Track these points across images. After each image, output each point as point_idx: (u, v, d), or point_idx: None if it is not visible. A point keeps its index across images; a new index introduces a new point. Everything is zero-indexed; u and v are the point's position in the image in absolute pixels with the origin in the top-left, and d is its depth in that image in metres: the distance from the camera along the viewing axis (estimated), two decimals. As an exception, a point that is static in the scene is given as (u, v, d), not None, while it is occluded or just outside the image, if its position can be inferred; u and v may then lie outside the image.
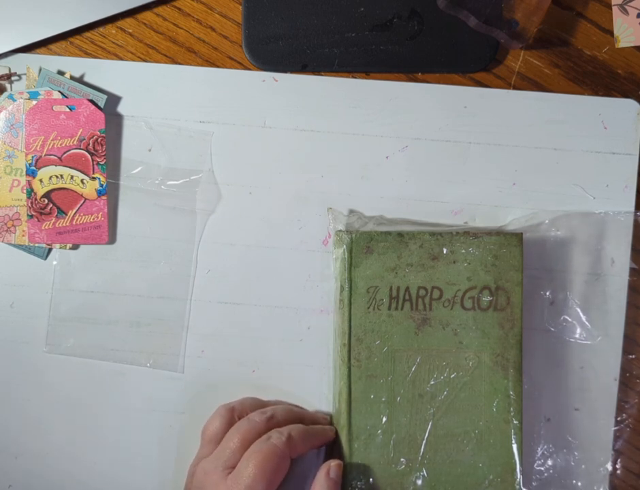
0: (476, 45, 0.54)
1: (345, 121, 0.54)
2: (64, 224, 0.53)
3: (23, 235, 0.53)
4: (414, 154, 0.54)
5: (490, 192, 0.54)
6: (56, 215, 0.53)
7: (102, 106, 0.53)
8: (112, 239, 0.54)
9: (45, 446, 0.54)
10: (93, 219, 0.53)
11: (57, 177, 0.52)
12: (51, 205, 0.53)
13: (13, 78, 0.53)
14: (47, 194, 0.53)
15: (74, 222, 0.53)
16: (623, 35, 0.54)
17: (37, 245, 0.53)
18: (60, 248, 0.53)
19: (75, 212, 0.53)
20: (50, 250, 0.54)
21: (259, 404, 0.52)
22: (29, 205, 0.52)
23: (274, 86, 0.54)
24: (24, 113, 0.52)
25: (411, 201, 0.54)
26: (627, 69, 0.55)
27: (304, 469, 0.51)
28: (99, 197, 0.53)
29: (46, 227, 0.53)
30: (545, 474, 0.54)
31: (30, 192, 0.52)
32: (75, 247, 0.54)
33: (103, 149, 0.53)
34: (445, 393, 0.51)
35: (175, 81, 0.54)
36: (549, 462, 0.54)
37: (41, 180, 0.52)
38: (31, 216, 0.53)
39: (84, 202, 0.53)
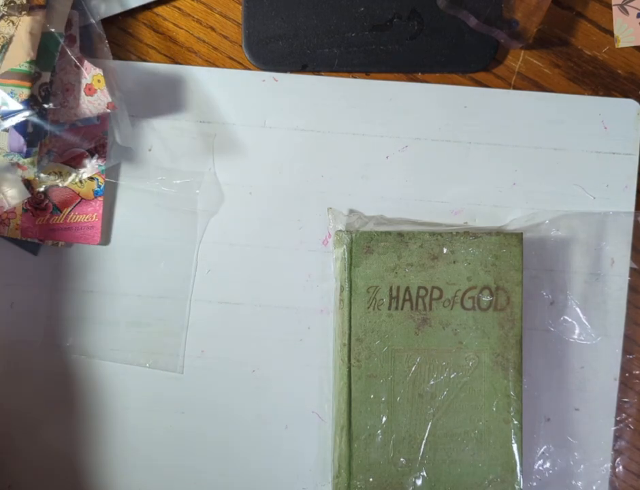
0: (476, 45, 0.54)
1: (345, 121, 0.54)
2: (57, 222, 0.53)
3: (16, 229, 0.53)
4: (414, 154, 0.54)
5: (490, 192, 0.54)
6: (51, 212, 0.53)
7: (102, 106, 0.53)
8: (104, 240, 0.54)
9: (44, 446, 0.54)
10: (87, 219, 0.53)
11: (56, 174, 0.52)
12: (47, 201, 0.53)
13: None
14: (44, 190, 0.53)
15: (68, 221, 0.53)
16: (623, 35, 0.54)
17: (29, 240, 0.53)
18: (52, 245, 0.53)
19: (70, 211, 0.53)
20: (42, 246, 0.54)
21: None
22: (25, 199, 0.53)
23: (274, 86, 0.54)
24: (24, 113, 0.52)
25: (411, 201, 0.54)
26: (627, 69, 0.55)
27: None
28: (95, 197, 0.53)
29: (40, 223, 0.53)
30: (545, 474, 0.54)
31: (28, 186, 0.52)
32: (68, 245, 0.54)
33: (104, 149, 0.53)
34: (445, 393, 0.51)
35: (175, 81, 0.54)
36: (549, 462, 0.54)
37: (39, 176, 0.52)
38: (26, 210, 0.53)
39: (79, 201, 0.53)
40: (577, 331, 0.54)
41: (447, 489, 0.51)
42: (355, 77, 0.54)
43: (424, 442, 0.51)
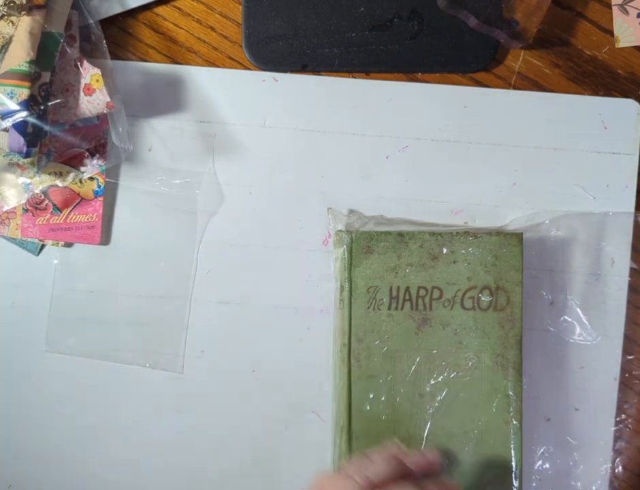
0: (476, 45, 0.53)
1: (345, 121, 0.54)
2: (58, 222, 0.53)
3: (17, 229, 0.53)
4: (414, 154, 0.54)
5: (490, 192, 0.54)
6: (51, 211, 0.53)
7: (102, 106, 0.53)
8: (104, 240, 0.54)
9: (45, 446, 0.54)
10: (87, 219, 0.53)
11: (56, 174, 0.52)
12: (47, 201, 0.53)
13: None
14: (44, 190, 0.53)
15: (68, 221, 0.53)
16: (623, 35, 0.54)
17: (29, 240, 0.53)
18: (53, 244, 0.54)
19: (71, 211, 0.53)
20: (43, 246, 0.54)
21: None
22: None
23: (274, 86, 0.54)
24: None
25: (411, 201, 0.54)
26: (627, 69, 0.55)
27: None
28: (95, 197, 0.53)
29: (40, 223, 0.53)
30: (545, 474, 0.54)
31: (28, 186, 0.52)
32: (68, 245, 0.54)
33: (104, 149, 0.53)
34: (445, 393, 0.51)
35: (175, 81, 0.54)
36: (549, 462, 0.53)
37: (39, 176, 0.52)
38: (26, 210, 0.53)
39: (79, 201, 0.53)
40: (576, 331, 0.54)
41: (447, 489, 0.51)
42: (355, 77, 0.54)
43: (424, 442, 0.51)
